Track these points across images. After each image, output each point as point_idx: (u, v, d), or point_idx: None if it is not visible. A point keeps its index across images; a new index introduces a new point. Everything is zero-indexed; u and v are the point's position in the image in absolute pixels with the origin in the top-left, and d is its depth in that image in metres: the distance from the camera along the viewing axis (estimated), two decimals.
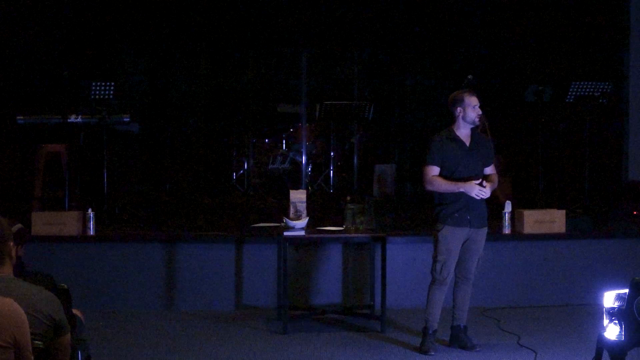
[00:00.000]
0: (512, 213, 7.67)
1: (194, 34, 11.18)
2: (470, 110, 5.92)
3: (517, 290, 7.50)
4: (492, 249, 7.52)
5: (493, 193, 9.58)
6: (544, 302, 7.45)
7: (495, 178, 6.10)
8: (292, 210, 6.87)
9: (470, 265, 6.02)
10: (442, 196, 5.94)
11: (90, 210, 7.52)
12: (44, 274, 3.84)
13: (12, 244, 3.40)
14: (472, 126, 6.00)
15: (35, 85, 9.69)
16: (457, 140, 5.97)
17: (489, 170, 6.10)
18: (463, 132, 5.99)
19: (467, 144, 5.98)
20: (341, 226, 6.80)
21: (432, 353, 5.92)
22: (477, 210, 5.93)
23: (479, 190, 5.83)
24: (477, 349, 6.00)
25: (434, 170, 5.91)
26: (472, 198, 5.87)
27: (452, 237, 5.92)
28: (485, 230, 6.04)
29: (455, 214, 5.90)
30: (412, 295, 7.34)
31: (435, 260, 5.97)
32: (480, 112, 5.95)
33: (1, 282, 3.32)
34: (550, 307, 7.38)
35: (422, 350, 5.96)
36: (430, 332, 5.99)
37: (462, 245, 5.97)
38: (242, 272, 7.42)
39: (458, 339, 6.09)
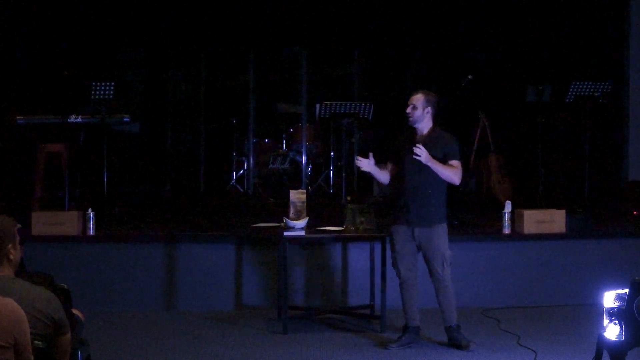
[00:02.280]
0: (512, 213, 7.67)
1: (194, 34, 11.18)
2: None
3: (517, 290, 7.50)
4: (492, 249, 7.55)
5: (492, 193, 9.60)
6: (544, 302, 7.44)
7: (450, 167, 5.92)
8: (292, 210, 6.87)
9: (435, 266, 5.99)
10: (390, 195, 6.04)
11: (90, 210, 7.52)
12: (44, 274, 3.83)
13: (11, 245, 3.39)
14: (413, 124, 6.05)
15: (35, 85, 9.69)
16: (411, 138, 6.05)
17: (451, 164, 6.01)
18: (417, 131, 6.06)
19: (420, 141, 6.00)
20: (341, 226, 6.81)
21: (391, 346, 6.00)
22: (417, 209, 5.96)
23: (359, 161, 5.99)
24: (471, 347, 5.98)
25: (388, 166, 6.11)
26: (412, 197, 5.93)
27: (396, 235, 6.04)
28: (434, 229, 5.97)
29: (396, 212, 6.03)
30: None
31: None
32: (408, 111, 6.04)
33: (1, 282, 3.32)
34: (550, 307, 7.38)
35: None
36: (410, 328, 6.08)
37: (419, 246, 6.00)
38: (242, 272, 7.42)
39: (451, 339, 6.10)
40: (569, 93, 8.84)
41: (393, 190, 6.08)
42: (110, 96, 8.37)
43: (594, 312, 5.31)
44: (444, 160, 5.95)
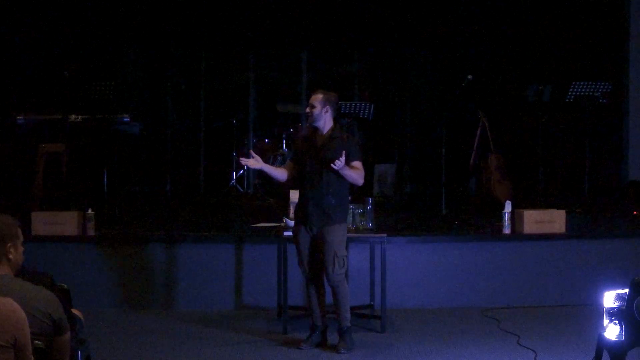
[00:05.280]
0: (512, 213, 7.67)
1: (194, 33, 11.18)
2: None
3: (517, 290, 7.49)
4: (492, 249, 7.54)
5: (492, 193, 9.60)
6: (544, 302, 7.44)
7: (354, 170, 5.93)
8: (292, 210, 6.86)
9: (326, 265, 5.94)
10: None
11: (90, 210, 7.52)
12: (44, 273, 3.83)
13: (11, 244, 3.38)
14: (311, 124, 6.04)
15: (35, 85, 9.69)
16: (309, 138, 6.08)
17: (353, 165, 5.98)
18: (317, 130, 6.05)
19: (319, 142, 6.01)
20: None
21: (303, 346, 6.04)
22: (316, 209, 5.96)
23: (243, 160, 6.03)
24: (342, 351, 5.94)
25: (287, 164, 6.22)
26: (312, 197, 5.95)
27: (298, 234, 6.06)
28: (331, 228, 5.95)
29: (297, 212, 6.08)
30: (412, 295, 7.35)
31: None
32: (307, 111, 6.03)
33: (1, 282, 3.32)
34: (550, 307, 7.37)
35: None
36: (317, 327, 6.11)
37: (316, 243, 6.00)
38: (242, 272, 7.42)
39: (339, 340, 6.06)
40: (569, 93, 8.84)
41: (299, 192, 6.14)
42: (110, 96, 8.37)
43: (594, 312, 5.30)
44: (345, 162, 5.89)
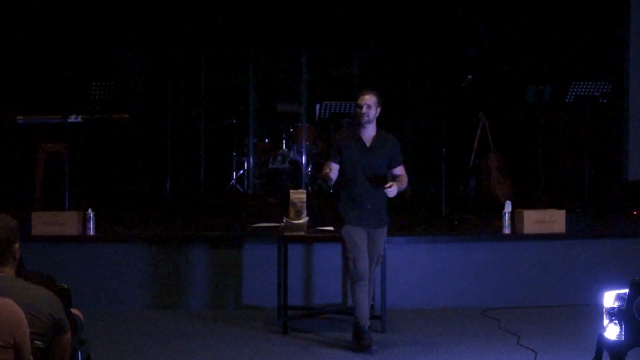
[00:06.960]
0: (512, 213, 7.67)
1: (194, 33, 11.18)
2: (357, 109, 5.97)
3: (517, 290, 7.50)
4: (492, 249, 7.54)
5: (492, 193, 9.60)
6: (544, 302, 7.44)
7: (403, 179, 6.05)
8: (292, 210, 6.86)
9: (372, 265, 6.07)
10: (338, 194, 6.08)
11: (90, 210, 7.52)
12: (44, 273, 3.83)
13: (17, 245, 3.40)
14: (365, 124, 5.98)
15: (35, 85, 9.69)
16: (357, 139, 6.01)
17: (397, 171, 6.09)
18: (364, 131, 6.01)
19: (368, 143, 6.00)
20: None
21: (373, 349, 5.93)
22: (371, 211, 5.98)
23: (324, 174, 5.89)
24: (373, 349, 5.93)
25: (331, 165, 5.96)
26: (366, 199, 5.94)
27: (354, 235, 5.97)
28: (382, 230, 6.09)
29: (350, 214, 5.99)
30: (412, 295, 7.34)
31: (347, 258, 6.00)
32: (361, 110, 5.93)
33: (2, 282, 3.32)
34: (550, 307, 7.38)
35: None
36: (365, 328, 5.98)
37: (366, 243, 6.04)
38: (242, 272, 7.42)
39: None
40: (569, 93, 8.84)
41: (340, 193, 6.06)
42: (110, 96, 8.37)
43: (594, 312, 5.31)
44: (389, 165, 6.05)
